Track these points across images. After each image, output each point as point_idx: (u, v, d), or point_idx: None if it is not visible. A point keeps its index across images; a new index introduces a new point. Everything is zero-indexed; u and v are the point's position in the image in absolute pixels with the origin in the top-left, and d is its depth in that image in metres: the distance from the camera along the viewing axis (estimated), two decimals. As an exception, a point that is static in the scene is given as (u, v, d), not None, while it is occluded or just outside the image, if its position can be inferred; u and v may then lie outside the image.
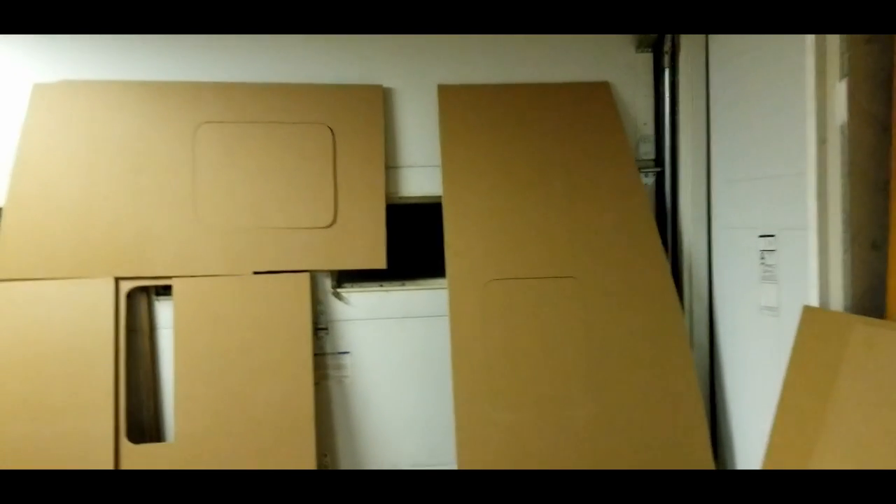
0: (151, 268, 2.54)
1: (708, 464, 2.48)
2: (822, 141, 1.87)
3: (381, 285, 2.76)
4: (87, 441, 2.42)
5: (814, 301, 1.89)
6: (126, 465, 2.43)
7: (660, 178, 2.84)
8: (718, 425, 2.66)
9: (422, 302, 2.74)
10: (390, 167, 2.74)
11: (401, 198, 2.76)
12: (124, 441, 2.45)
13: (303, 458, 2.49)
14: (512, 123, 2.73)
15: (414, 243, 3.06)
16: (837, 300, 1.83)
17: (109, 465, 2.41)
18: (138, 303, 2.61)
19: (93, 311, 2.48)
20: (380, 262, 2.64)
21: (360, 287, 2.75)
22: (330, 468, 2.66)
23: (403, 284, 2.77)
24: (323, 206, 2.64)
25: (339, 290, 2.72)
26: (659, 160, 2.84)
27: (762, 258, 2.32)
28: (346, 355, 2.71)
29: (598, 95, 2.78)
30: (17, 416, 2.41)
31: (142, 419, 2.60)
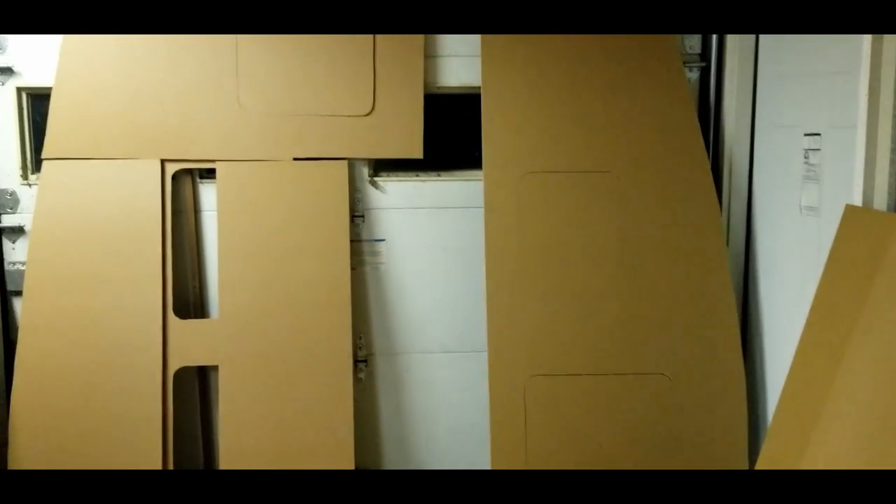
0: (195, 151, 2.58)
1: (736, 363, 2.53)
2: (877, 35, 1.81)
3: (417, 175, 2.78)
4: (137, 315, 2.53)
5: (857, 200, 1.88)
6: (173, 338, 2.55)
7: (705, 73, 2.76)
8: (750, 324, 2.70)
9: (457, 192, 2.77)
10: (430, 56, 2.70)
11: (439, 88, 2.74)
12: (171, 316, 2.56)
13: (339, 339, 2.59)
14: (555, 13, 2.66)
15: (451, 134, 3.05)
16: (882, 200, 1.81)
17: (158, 339, 2.53)
18: (183, 185, 2.67)
19: (140, 191, 2.55)
20: (417, 151, 2.65)
21: (397, 176, 2.77)
22: (364, 350, 2.76)
23: (439, 175, 2.79)
24: (362, 94, 2.63)
25: (375, 178, 2.74)
26: (705, 55, 2.76)
27: (806, 157, 2.29)
28: (381, 243, 2.77)
29: (646, -15, 2.69)
30: (71, 289, 2.52)
31: (187, 296, 2.71)
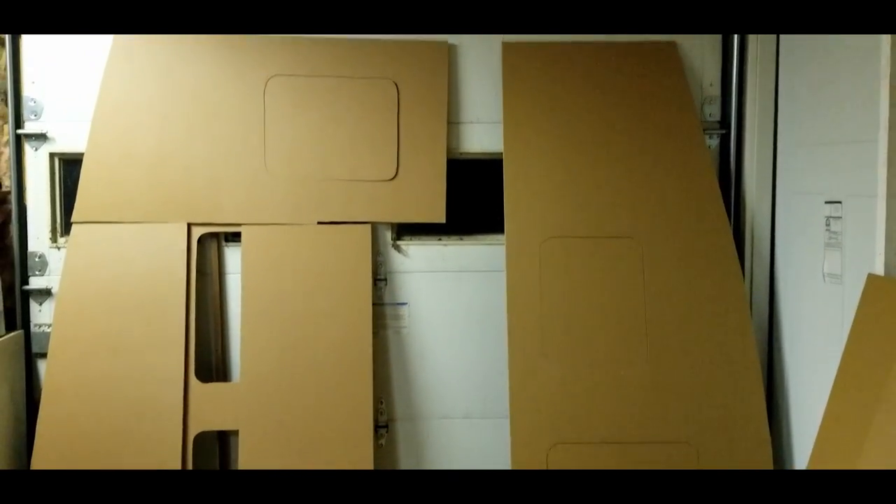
0: (222, 215, 2.63)
1: (762, 431, 2.49)
2: (895, 105, 1.83)
3: (440, 239, 2.81)
4: (159, 378, 2.54)
5: (879, 269, 1.88)
6: (194, 402, 2.55)
7: (724, 140, 2.80)
8: (775, 392, 2.66)
9: (479, 257, 2.79)
10: (452, 123, 2.76)
11: (462, 153, 2.79)
12: (193, 379, 2.57)
13: (360, 403, 2.58)
14: (575, 81, 2.71)
15: (473, 199, 3.09)
16: (905, 269, 1.81)
17: (179, 402, 2.53)
18: (208, 248, 2.71)
19: (166, 254, 2.59)
20: (439, 216, 2.69)
21: (419, 240, 2.80)
22: (385, 415, 2.75)
23: (462, 239, 2.82)
24: (385, 159, 2.68)
25: (398, 242, 2.77)
26: (724, 122, 2.80)
27: (827, 225, 2.29)
28: (403, 306, 2.78)
29: (664, 55, 2.75)
30: (95, 351, 2.54)
31: (210, 359, 2.72)
